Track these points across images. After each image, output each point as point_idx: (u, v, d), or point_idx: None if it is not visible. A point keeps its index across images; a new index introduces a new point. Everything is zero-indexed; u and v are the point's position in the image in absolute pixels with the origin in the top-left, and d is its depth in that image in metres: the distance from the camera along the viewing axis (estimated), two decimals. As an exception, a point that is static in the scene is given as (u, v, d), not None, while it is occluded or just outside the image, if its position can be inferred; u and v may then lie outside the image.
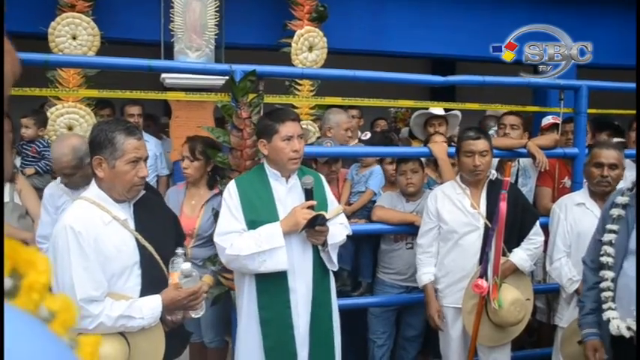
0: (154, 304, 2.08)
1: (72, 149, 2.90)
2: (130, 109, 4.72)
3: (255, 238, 2.43)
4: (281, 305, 2.50)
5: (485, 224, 3.03)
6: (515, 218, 3.01)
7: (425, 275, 3.15)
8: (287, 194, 2.56)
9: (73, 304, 0.62)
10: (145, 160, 2.15)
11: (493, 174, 3.14)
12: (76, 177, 2.90)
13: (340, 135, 3.85)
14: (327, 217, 2.49)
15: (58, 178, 3.08)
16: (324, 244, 2.53)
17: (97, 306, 1.99)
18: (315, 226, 2.45)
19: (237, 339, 2.64)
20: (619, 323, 2.16)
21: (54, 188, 3.02)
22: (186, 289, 2.13)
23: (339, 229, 2.62)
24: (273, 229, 2.44)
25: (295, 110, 4.17)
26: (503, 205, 2.83)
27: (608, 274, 2.25)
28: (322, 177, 2.80)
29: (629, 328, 2.13)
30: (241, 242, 2.44)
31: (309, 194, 2.50)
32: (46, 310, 0.58)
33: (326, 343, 2.59)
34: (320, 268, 2.59)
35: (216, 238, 2.54)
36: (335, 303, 2.68)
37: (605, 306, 2.25)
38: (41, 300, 0.57)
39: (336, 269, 2.65)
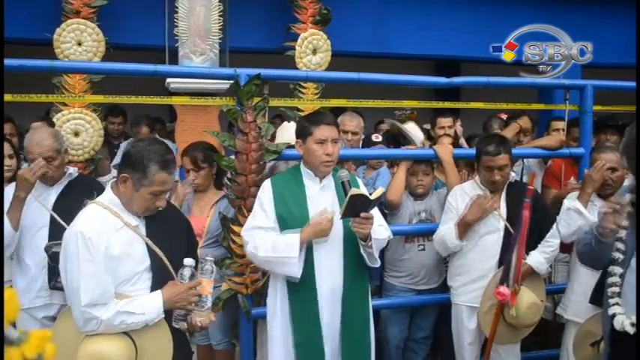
0: (154, 300, 2.09)
1: (52, 134, 2.94)
2: (138, 131, 4.76)
3: (274, 243, 2.47)
4: (309, 301, 2.52)
5: (506, 227, 3.03)
6: (533, 220, 3.00)
7: (449, 227, 3.09)
8: (319, 193, 2.58)
9: (17, 299, 0.62)
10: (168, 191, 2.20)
11: (512, 176, 3.15)
12: (56, 163, 2.87)
13: None
14: (371, 197, 2.44)
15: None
16: (368, 238, 2.51)
17: (101, 309, 2.02)
18: (359, 213, 2.43)
19: (270, 336, 2.65)
20: (624, 319, 2.17)
21: (14, 187, 2.90)
22: (187, 283, 2.13)
23: (379, 229, 2.60)
24: (291, 238, 2.46)
25: (300, 113, 4.18)
26: (526, 214, 2.83)
27: (617, 269, 2.26)
28: (359, 179, 2.81)
29: (633, 325, 2.14)
30: (262, 243, 2.50)
31: (345, 187, 2.48)
32: None
33: (359, 343, 2.59)
34: (353, 268, 2.58)
35: (243, 232, 2.63)
36: (370, 306, 2.68)
37: (611, 301, 2.25)
38: None
39: (377, 265, 2.64)
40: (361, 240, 2.52)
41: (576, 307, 3.06)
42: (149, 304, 2.08)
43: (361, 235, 2.49)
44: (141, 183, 2.08)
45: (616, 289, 2.24)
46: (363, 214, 2.43)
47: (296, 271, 2.46)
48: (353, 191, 2.41)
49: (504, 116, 4.68)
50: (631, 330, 2.14)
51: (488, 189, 3.11)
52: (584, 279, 3.01)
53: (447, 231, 3.10)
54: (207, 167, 3.32)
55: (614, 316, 2.22)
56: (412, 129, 3.91)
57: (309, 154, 2.58)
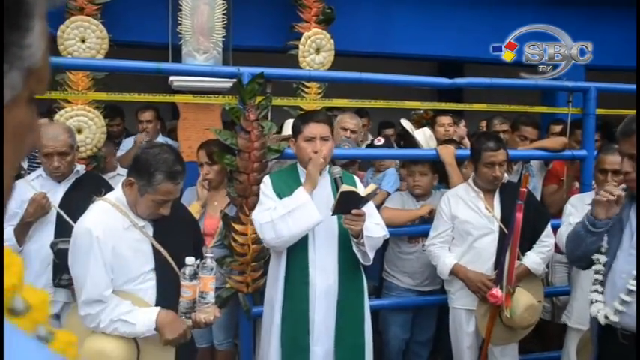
0: (149, 316, 2.08)
1: (67, 129, 2.96)
2: (142, 115, 4.73)
3: (283, 203, 2.50)
4: (300, 298, 2.53)
5: (500, 228, 3.03)
6: (527, 221, 3.00)
7: (448, 259, 3.09)
8: (315, 191, 2.57)
9: (48, 302, 0.64)
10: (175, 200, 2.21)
11: (505, 178, 3.15)
12: (69, 159, 2.89)
13: (337, 134, 3.81)
14: (363, 194, 2.44)
15: (31, 175, 3.04)
16: (360, 235, 2.50)
17: (97, 306, 2.05)
18: (351, 210, 2.43)
19: (264, 333, 2.66)
20: (600, 308, 2.20)
21: (22, 183, 2.96)
22: (186, 326, 2.12)
23: (374, 227, 2.59)
24: (295, 192, 2.51)
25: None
26: (519, 216, 2.83)
27: (602, 258, 2.29)
28: (356, 178, 2.81)
29: (606, 317, 2.17)
30: (272, 211, 2.51)
31: (337, 184, 2.49)
32: (22, 302, 0.60)
33: (355, 343, 2.58)
34: (348, 266, 2.58)
35: (253, 216, 2.62)
36: (367, 304, 2.67)
37: (592, 288, 2.28)
38: (10, 300, 0.59)
39: (369, 263, 2.63)
40: (353, 237, 2.52)
41: (580, 314, 3.05)
42: (143, 319, 2.08)
43: (353, 232, 2.49)
44: (146, 190, 2.10)
45: (599, 277, 2.27)
46: (354, 211, 2.42)
47: (316, 213, 2.46)
48: (343, 188, 2.41)
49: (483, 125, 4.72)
50: (603, 321, 2.17)
51: (486, 188, 3.10)
52: (587, 285, 3.00)
53: (442, 266, 3.11)
54: (221, 162, 3.30)
55: (592, 302, 2.25)
56: (420, 135, 3.90)
57: (299, 151, 2.61)
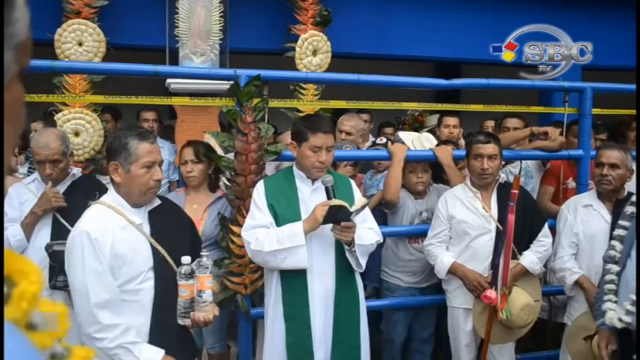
0: (152, 356, 2.06)
1: (60, 136, 2.97)
2: (144, 114, 4.75)
3: (278, 236, 2.49)
4: (300, 303, 2.54)
5: (497, 227, 3.04)
6: (524, 221, 3.03)
7: (446, 258, 3.11)
8: (311, 195, 2.59)
9: (68, 317, 0.63)
10: (160, 164, 2.19)
11: (502, 178, 3.16)
12: (61, 166, 2.91)
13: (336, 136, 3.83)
14: (351, 209, 2.45)
15: (27, 179, 3.09)
16: (352, 243, 2.51)
17: (106, 314, 2.01)
18: (340, 222, 2.44)
19: (265, 336, 2.67)
20: (613, 315, 2.20)
21: (19, 186, 3.02)
22: None
23: (367, 233, 2.60)
24: (295, 227, 2.49)
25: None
26: (511, 218, 2.85)
27: (614, 268, 2.29)
28: (352, 181, 2.81)
29: (620, 320, 2.17)
30: (265, 238, 2.50)
31: (328, 192, 2.50)
32: (41, 317, 0.59)
33: (351, 346, 2.59)
34: (344, 269, 2.59)
35: (243, 233, 2.62)
36: (363, 306, 2.67)
37: (605, 297, 2.29)
38: (30, 308, 0.57)
39: (361, 270, 2.64)
40: (345, 245, 2.54)
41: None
42: (147, 356, 2.05)
43: (344, 241, 2.52)
44: (128, 162, 2.10)
45: (612, 287, 2.27)
46: (343, 223, 2.44)
47: (305, 259, 2.47)
48: (333, 202, 2.44)
49: (491, 125, 4.71)
50: (619, 325, 2.18)
51: (479, 184, 3.11)
52: None
53: (440, 265, 3.12)
54: (205, 163, 3.28)
55: (606, 311, 2.25)
56: (417, 144, 3.89)
57: (302, 158, 2.59)
